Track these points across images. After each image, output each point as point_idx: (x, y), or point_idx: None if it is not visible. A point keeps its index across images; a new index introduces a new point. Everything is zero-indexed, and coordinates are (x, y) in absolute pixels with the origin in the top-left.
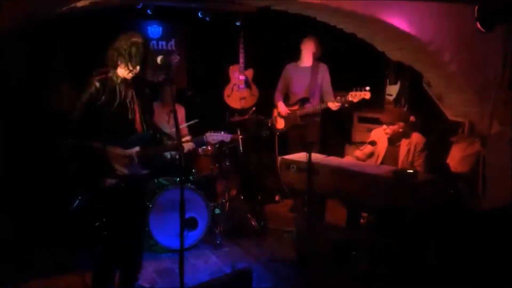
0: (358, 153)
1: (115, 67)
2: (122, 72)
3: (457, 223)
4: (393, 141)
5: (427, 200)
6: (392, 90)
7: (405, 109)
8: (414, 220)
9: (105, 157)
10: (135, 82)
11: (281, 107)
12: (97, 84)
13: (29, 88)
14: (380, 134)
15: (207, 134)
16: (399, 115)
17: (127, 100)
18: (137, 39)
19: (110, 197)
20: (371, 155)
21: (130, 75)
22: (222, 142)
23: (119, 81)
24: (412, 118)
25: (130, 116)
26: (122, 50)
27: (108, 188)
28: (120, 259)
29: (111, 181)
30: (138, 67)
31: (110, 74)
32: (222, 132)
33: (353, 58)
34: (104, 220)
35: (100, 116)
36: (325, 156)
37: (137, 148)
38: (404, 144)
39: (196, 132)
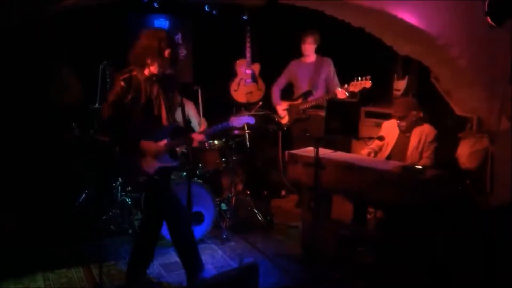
0: (366, 150)
1: (143, 66)
2: (149, 69)
3: (464, 219)
4: (407, 131)
5: (434, 196)
6: (400, 85)
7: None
8: (421, 216)
9: (130, 155)
10: (160, 78)
11: (276, 104)
12: (123, 83)
13: (34, 83)
14: (391, 125)
15: (232, 118)
16: (409, 106)
17: (153, 97)
18: (163, 33)
19: (146, 189)
20: (381, 148)
21: (161, 71)
22: (248, 124)
23: (143, 79)
24: (420, 113)
25: (156, 112)
26: (152, 48)
27: (144, 183)
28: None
29: (144, 177)
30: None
31: (134, 73)
32: (246, 116)
33: (361, 52)
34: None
35: (128, 113)
36: (332, 151)
37: (165, 141)
38: (415, 134)
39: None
